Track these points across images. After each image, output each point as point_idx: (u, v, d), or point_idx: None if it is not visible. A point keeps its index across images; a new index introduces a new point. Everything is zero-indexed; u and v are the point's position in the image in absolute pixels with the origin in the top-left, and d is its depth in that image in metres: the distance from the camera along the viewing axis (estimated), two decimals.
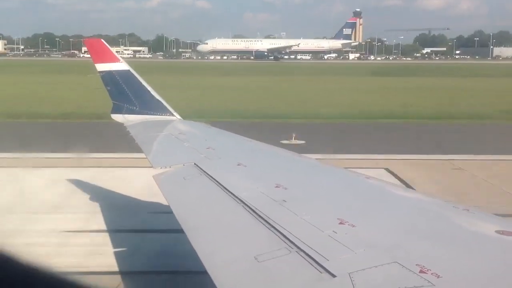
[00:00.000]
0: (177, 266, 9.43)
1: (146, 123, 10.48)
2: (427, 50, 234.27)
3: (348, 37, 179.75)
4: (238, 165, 6.56)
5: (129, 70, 11.22)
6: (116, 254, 10.25)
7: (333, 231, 3.95)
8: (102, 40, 12.36)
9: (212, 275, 3.57)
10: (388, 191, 5.55)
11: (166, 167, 6.91)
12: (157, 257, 10.17)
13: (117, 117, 11.09)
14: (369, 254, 3.54)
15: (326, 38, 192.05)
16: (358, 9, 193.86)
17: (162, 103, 10.84)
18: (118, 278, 9.21)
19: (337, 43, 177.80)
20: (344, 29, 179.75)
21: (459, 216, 4.49)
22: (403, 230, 4.08)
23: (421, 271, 3.15)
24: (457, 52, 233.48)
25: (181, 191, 6.07)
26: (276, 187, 5.32)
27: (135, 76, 11.17)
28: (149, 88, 11.04)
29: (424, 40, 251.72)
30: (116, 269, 9.56)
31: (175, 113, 10.80)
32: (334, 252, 3.59)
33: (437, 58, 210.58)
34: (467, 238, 3.92)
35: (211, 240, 4.43)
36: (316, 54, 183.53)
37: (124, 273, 9.47)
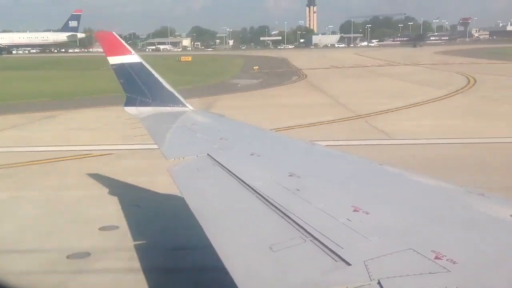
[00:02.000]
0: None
1: (158, 115, 10.50)
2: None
3: (74, 29, 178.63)
4: (252, 155, 6.57)
5: (141, 62, 11.21)
6: None
7: (347, 219, 3.94)
8: (114, 33, 12.32)
9: (227, 265, 3.59)
10: (401, 177, 5.52)
11: (179, 158, 6.94)
12: None
13: (130, 110, 11.11)
14: (384, 241, 3.53)
15: (52, 31, 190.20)
16: None
17: (174, 95, 10.84)
18: None
19: (63, 36, 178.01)
20: (70, 22, 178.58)
21: (474, 201, 4.45)
22: (418, 217, 4.06)
23: (436, 258, 3.13)
24: (301, 40, 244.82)
25: (195, 182, 6.09)
26: (290, 176, 5.32)
27: (147, 68, 11.17)
28: (161, 80, 11.05)
29: (348, 28, 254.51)
30: None
31: (187, 104, 10.80)
32: (349, 240, 3.59)
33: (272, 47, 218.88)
34: (482, 224, 3.89)
35: (225, 230, 4.45)
36: (45, 47, 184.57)
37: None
